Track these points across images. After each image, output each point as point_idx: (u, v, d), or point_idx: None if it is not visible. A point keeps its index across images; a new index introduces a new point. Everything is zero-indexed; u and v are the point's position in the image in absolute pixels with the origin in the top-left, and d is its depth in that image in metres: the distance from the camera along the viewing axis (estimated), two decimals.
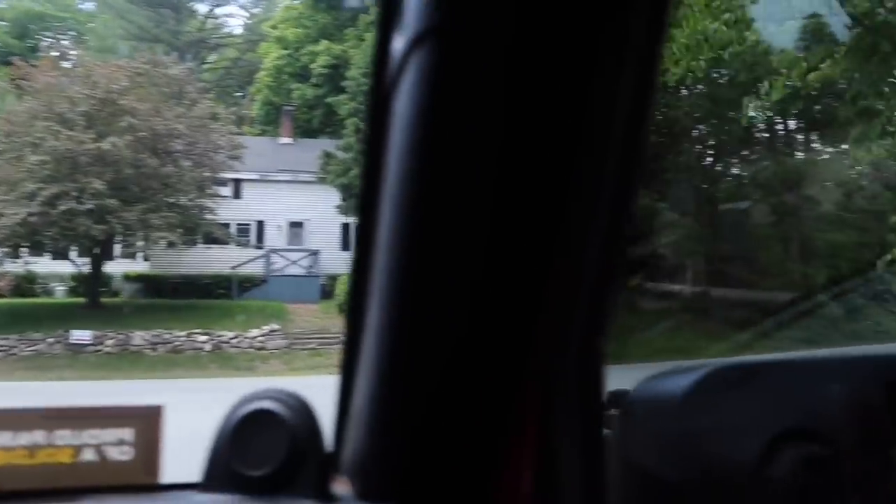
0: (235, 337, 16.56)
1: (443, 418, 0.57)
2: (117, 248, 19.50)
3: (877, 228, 17.88)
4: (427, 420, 0.57)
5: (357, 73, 21.50)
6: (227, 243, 20.55)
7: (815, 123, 18.32)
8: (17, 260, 18.37)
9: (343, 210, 19.42)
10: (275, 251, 20.65)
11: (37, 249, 17.82)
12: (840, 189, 17.63)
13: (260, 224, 21.93)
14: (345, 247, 20.72)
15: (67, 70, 18.61)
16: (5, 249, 17.45)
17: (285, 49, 29.49)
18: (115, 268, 19.74)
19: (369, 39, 20.67)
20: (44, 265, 19.10)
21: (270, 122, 28.52)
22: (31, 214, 15.54)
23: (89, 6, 38.30)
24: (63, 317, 16.48)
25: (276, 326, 17.12)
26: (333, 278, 19.10)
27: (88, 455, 0.64)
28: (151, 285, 19.89)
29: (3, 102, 19.77)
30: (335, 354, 15.83)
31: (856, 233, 17.19)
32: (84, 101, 16.70)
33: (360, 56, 21.30)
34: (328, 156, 20.15)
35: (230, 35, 40.31)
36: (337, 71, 21.51)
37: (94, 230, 16.05)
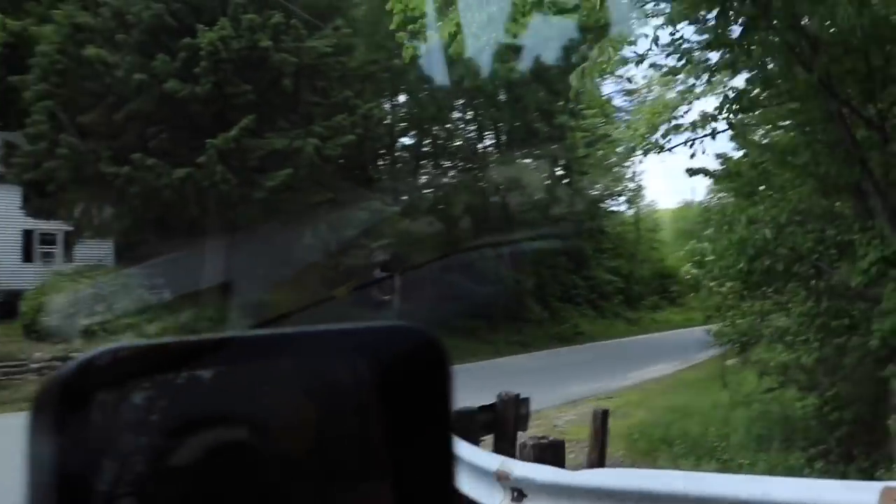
0: None
1: None
2: None
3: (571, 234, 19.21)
4: None
5: (50, 48, 18.73)
6: None
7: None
8: None
9: (29, 212, 16.94)
10: None
11: None
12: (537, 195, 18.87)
13: None
14: (27, 257, 18.04)
15: None
16: None
17: None
18: None
19: (59, 15, 18.18)
20: None
21: None
22: None
23: None
24: None
25: None
26: (15, 294, 16.54)
27: None
28: None
29: None
30: (23, 385, 13.73)
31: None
32: None
33: (51, 31, 18.53)
34: (10, 147, 17.48)
35: None
36: (15, 51, 18.75)
37: None
